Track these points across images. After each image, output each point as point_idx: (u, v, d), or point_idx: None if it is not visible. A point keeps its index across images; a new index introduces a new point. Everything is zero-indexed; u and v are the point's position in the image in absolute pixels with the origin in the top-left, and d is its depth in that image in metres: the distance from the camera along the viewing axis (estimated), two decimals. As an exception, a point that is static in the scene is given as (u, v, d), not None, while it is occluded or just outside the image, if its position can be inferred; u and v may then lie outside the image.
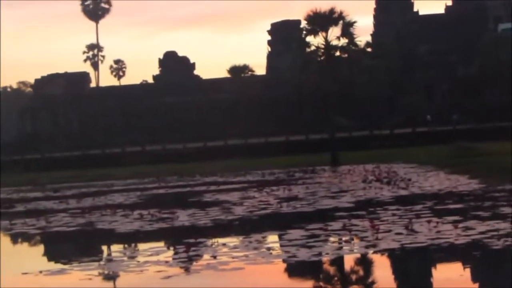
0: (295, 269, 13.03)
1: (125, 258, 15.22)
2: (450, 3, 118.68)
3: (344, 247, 14.91)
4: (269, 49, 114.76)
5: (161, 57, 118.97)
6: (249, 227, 18.97)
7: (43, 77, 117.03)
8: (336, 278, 12.51)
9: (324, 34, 57.51)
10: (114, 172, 53.48)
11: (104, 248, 18.28)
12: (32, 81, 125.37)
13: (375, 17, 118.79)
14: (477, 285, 11.72)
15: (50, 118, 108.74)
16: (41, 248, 19.62)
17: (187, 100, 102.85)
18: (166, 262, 14.15)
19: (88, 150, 77.06)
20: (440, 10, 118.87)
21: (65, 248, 18.97)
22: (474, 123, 72.89)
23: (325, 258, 13.84)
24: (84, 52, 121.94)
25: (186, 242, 16.05)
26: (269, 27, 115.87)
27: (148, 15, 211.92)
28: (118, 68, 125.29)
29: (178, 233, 18.50)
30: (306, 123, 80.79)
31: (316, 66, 63.89)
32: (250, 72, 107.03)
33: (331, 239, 15.87)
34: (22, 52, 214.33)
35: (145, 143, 77.58)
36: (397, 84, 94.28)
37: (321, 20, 57.01)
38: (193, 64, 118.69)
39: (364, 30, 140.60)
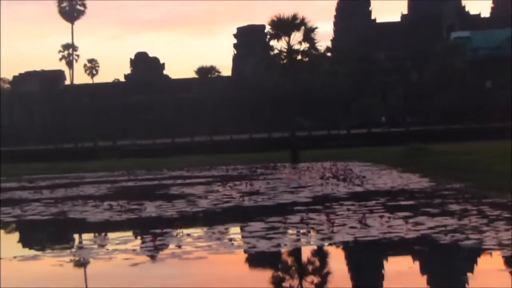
0: (255, 259, 13.05)
1: (95, 246, 15.17)
2: (406, 12, 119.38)
3: (301, 239, 14.94)
4: (235, 52, 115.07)
5: (133, 57, 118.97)
6: (212, 219, 18.98)
7: (20, 74, 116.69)
8: (293, 268, 12.54)
9: (286, 38, 57.75)
10: (85, 165, 53.31)
11: (76, 236, 18.22)
12: (10, 77, 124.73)
13: (335, 23, 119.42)
14: (425, 277, 11.79)
15: (26, 113, 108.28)
16: (15, 235, 19.50)
17: (157, 99, 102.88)
18: (134, 250, 14.12)
19: (62, 144, 76.85)
20: (397, 18, 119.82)
21: (39, 235, 18.88)
22: (427, 125, 73.39)
23: (283, 249, 13.86)
24: (59, 51, 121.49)
25: (153, 232, 16.03)
26: (235, 31, 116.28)
27: (121, 17, 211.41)
28: (92, 67, 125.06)
29: (145, 224, 18.47)
30: (268, 122, 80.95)
31: (279, 69, 64.03)
32: (216, 73, 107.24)
33: (290, 231, 15.88)
34: (1, 49, 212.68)
35: (116, 138, 77.43)
36: (355, 88, 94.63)
37: (284, 26, 57.21)
38: (163, 64, 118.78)
39: (324, 36, 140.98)
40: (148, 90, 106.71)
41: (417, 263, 12.62)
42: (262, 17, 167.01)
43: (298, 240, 14.91)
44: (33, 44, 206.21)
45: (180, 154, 63.02)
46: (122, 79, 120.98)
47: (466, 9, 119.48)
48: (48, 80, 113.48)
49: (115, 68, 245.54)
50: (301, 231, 15.84)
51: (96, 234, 17.75)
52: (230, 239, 15.06)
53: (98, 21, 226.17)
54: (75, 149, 73.21)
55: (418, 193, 23.26)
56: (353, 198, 22.22)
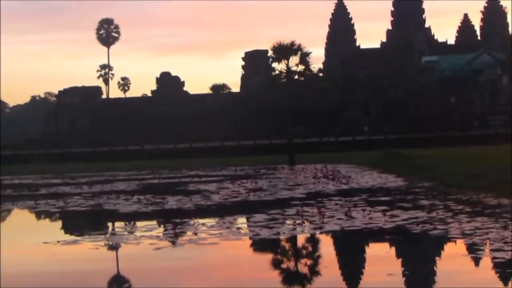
0: (258, 245, 13.01)
1: (126, 233, 15.16)
2: (384, 39, 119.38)
3: (297, 228, 14.90)
4: (243, 72, 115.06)
5: (158, 76, 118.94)
6: (223, 211, 18.91)
7: (65, 89, 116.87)
8: (291, 252, 12.52)
9: (286, 61, 57.64)
10: (118, 165, 53.19)
11: (109, 224, 18.17)
12: (56, 92, 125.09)
13: (326, 49, 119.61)
14: (399, 260, 11.76)
15: (69, 121, 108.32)
16: (59, 223, 19.49)
17: (177, 110, 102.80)
18: (157, 237, 14.09)
19: (98, 148, 76.71)
20: (377, 45, 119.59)
21: (78, 223, 18.86)
22: (401, 134, 73.36)
23: (282, 237, 13.84)
24: (97, 71, 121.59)
25: (174, 221, 15.98)
26: (243, 55, 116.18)
27: (149, 42, 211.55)
28: (124, 83, 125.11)
29: (167, 214, 18.40)
30: (270, 131, 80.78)
31: (279, 86, 64.03)
32: (227, 89, 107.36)
33: (287, 222, 15.84)
34: (49, 68, 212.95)
35: (143, 143, 77.33)
36: (341, 102, 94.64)
37: (284, 51, 57.14)
38: (183, 82, 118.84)
39: (317, 59, 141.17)
40: (170, 103, 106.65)
41: (393, 249, 12.59)
42: (266, 43, 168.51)
43: (295, 229, 14.87)
44: (76, 64, 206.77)
45: (196, 157, 62.88)
46: (149, 94, 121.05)
47: (435, 37, 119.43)
48: (88, 94, 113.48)
49: (143, 85, 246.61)
50: (297, 221, 15.81)
51: (126, 223, 17.73)
52: (238, 228, 15.01)
53: (130, 46, 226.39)
54: (109, 151, 73.01)
55: (394, 191, 23.19)
56: (340, 194, 22.14)
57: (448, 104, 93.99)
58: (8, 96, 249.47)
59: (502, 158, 31.77)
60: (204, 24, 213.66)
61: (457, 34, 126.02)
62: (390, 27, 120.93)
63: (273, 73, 61.20)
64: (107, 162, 59.33)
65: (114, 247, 13.41)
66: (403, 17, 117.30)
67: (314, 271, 10.68)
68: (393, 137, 70.32)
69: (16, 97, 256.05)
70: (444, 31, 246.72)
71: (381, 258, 11.58)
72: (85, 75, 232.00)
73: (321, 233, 14.01)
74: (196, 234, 14.20)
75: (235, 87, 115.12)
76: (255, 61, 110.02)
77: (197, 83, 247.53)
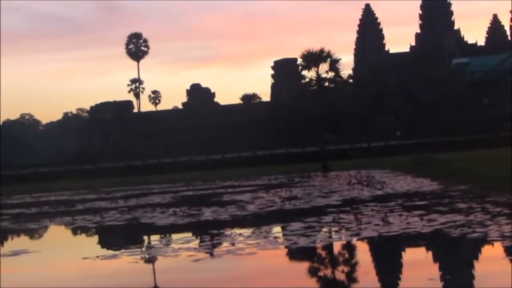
0: (297, 253, 12.99)
1: (163, 246, 15.18)
2: (413, 43, 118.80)
3: (334, 236, 14.86)
4: (273, 81, 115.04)
5: (188, 88, 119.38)
6: (259, 220, 18.93)
7: (96, 105, 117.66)
8: (328, 260, 12.48)
9: (315, 69, 57.51)
10: (152, 179, 53.44)
11: (146, 238, 18.25)
12: (88, 107, 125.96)
13: (355, 55, 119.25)
14: (439, 264, 11.68)
15: (102, 136, 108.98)
16: (97, 238, 19.59)
17: (209, 121, 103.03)
18: (195, 248, 14.12)
19: (131, 162, 77.07)
20: (406, 49, 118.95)
21: (116, 238, 18.95)
22: (433, 137, 72.84)
23: (320, 245, 13.81)
24: (128, 85, 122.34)
25: (210, 232, 16.02)
26: (272, 64, 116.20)
27: (178, 55, 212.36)
28: (155, 97, 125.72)
29: (203, 226, 18.44)
30: (302, 138, 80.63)
31: (309, 94, 63.97)
32: (258, 99, 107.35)
33: (324, 229, 15.81)
34: (80, 85, 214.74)
35: (176, 156, 77.55)
36: (372, 107, 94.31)
37: (313, 58, 56.99)
38: (213, 93, 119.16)
39: (346, 65, 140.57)
40: (201, 114, 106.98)
41: (432, 253, 12.51)
42: (294, 51, 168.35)
43: (332, 236, 14.83)
44: (106, 79, 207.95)
45: (229, 167, 63.01)
46: (180, 106, 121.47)
47: (465, 39, 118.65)
48: (119, 109, 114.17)
49: (174, 97, 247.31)
50: (334, 229, 15.75)
51: (163, 236, 17.77)
52: (275, 237, 15.00)
53: (159, 59, 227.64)
54: (143, 165, 73.37)
55: (429, 195, 23.04)
56: (376, 200, 22.05)
57: (480, 106, 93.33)
58: (41, 113, 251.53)
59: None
60: (233, 35, 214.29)
61: (486, 35, 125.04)
62: (419, 31, 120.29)
63: (303, 81, 61.09)
64: (141, 176, 59.63)
65: (152, 260, 13.45)
66: (432, 20, 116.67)
67: (353, 278, 10.65)
68: (426, 141, 69.86)
69: (49, 114, 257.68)
70: (474, 32, 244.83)
71: (421, 263, 11.51)
72: (116, 90, 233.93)
73: (358, 239, 13.95)
74: (233, 244, 14.20)
75: (266, 96, 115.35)
76: (284, 70, 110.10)
77: (227, 94, 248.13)
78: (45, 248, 17.33)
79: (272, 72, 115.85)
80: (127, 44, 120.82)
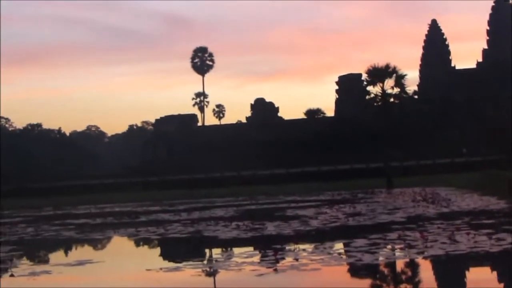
0: (361, 270, 12.78)
1: (226, 259, 15.12)
2: (480, 59, 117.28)
3: (399, 253, 14.61)
4: (337, 96, 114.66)
5: (253, 102, 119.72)
6: (323, 236, 18.76)
7: (161, 118, 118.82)
8: (393, 278, 12.26)
9: (381, 84, 57.30)
10: (215, 192, 53.59)
11: (210, 251, 18.21)
12: (153, 120, 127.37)
13: (420, 71, 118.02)
14: (506, 285, 11.36)
15: (166, 149, 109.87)
16: (160, 250, 19.63)
17: (273, 136, 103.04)
18: (259, 263, 14.01)
19: (195, 175, 77.48)
20: (473, 65, 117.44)
21: (179, 250, 18.96)
22: (501, 154, 71.54)
23: (385, 262, 13.59)
24: (193, 99, 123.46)
25: (274, 247, 15.91)
26: (336, 79, 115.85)
27: (243, 69, 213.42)
28: (219, 111, 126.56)
29: (267, 240, 18.35)
30: (366, 154, 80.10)
31: (374, 109, 63.59)
32: (322, 114, 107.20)
33: (389, 246, 15.57)
34: (145, 97, 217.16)
35: (240, 169, 77.72)
36: (438, 124, 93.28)
37: (379, 73, 56.88)
38: (277, 107, 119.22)
39: (411, 81, 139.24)
40: (265, 129, 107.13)
41: (501, 273, 12.19)
42: (359, 67, 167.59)
43: (397, 254, 14.58)
44: (172, 93, 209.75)
45: (292, 182, 62.91)
46: (244, 120, 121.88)
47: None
48: (184, 122, 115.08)
49: (238, 112, 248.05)
50: (399, 246, 15.48)
51: (227, 249, 17.72)
52: (339, 253, 14.81)
53: (224, 73, 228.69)
54: (206, 178, 73.73)
55: (497, 213, 22.60)
56: (442, 217, 21.71)
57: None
58: (107, 126, 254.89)
59: None
60: (297, 50, 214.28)
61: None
62: (486, 47, 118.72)
63: (368, 96, 60.88)
64: (204, 189, 59.84)
65: (216, 274, 13.39)
66: (499, 36, 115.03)
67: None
68: (493, 158, 68.75)
69: (114, 126, 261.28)
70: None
71: (490, 283, 11.22)
72: (180, 103, 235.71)
73: (425, 258, 13.68)
74: (297, 260, 14.05)
75: (330, 112, 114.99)
76: (349, 85, 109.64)
77: (291, 109, 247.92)
78: (109, 259, 17.41)
79: (337, 87, 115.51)
80: (193, 58, 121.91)
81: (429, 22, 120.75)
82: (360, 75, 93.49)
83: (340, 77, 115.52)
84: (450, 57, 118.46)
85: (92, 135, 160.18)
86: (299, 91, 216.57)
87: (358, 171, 67.88)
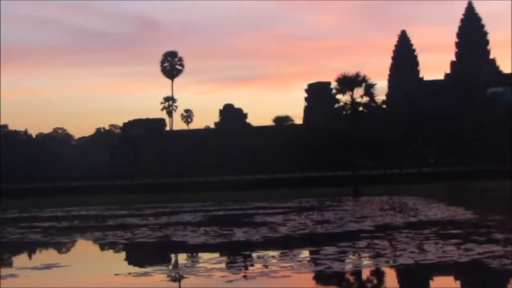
0: (331, 278, 12.78)
1: (195, 265, 15.05)
2: (448, 71, 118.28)
3: (368, 262, 14.63)
4: (306, 104, 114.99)
5: (221, 108, 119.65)
6: (292, 243, 18.74)
7: (129, 121, 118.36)
8: (363, 286, 12.27)
9: (350, 93, 57.46)
10: (183, 197, 53.36)
11: (178, 256, 18.12)
12: (121, 124, 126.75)
13: (389, 81, 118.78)
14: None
15: (134, 153, 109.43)
16: (128, 254, 19.49)
17: (240, 142, 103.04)
18: (228, 269, 13.98)
19: (163, 179, 77.17)
20: (441, 76, 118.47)
21: (148, 255, 18.85)
22: (468, 166, 72.11)
23: (355, 270, 13.60)
24: (161, 103, 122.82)
25: (243, 253, 15.87)
26: (306, 87, 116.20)
27: (212, 74, 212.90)
28: (188, 115, 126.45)
29: (235, 246, 18.31)
30: (334, 162, 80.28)
31: (343, 118, 63.77)
32: (290, 121, 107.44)
33: (358, 254, 15.60)
34: (113, 101, 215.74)
35: (207, 175, 77.57)
36: (406, 134, 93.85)
37: (349, 82, 57.01)
38: (246, 114, 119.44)
39: (380, 91, 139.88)
40: (233, 135, 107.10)
41: (474, 284, 12.24)
42: (329, 75, 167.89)
43: (366, 262, 14.60)
44: (140, 97, 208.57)
45: (260, 188, 62.81)
46: (212, 126, 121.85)
47: (500, 69, 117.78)
48: (152, 126, 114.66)
49: (206, 117, 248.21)
50: (369, 254, 15.51)
51: (195, 255, 17.64)
52: (309, 261, 14.80)
53: (194, 78, 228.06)
54: (174, 183, 73.35)
55: (465, 224, 22.73)
56: (410, 227, 21.79)
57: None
58: (74, 128, 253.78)
59: None
60: (267, 56, 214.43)
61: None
62: (454, 59, 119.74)
63: (337, 105, 61.03)
64: (171, 194, 59.59)
65: (185, 279, 13.31)
66: (468, 49, 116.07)
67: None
68: (460, 169, 69.22)
69: (82, 129, 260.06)
70: (509, 62, 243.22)
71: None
72: (149, 107, 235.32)
73: (394, 266, 13.71)
74: (266, 266, 14.03)
75: (298, 119, 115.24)
76: (318, 93, 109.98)
77: (260, 115, 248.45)
78: (76, 263, 17.23)
79: (306, 95, 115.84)
80: (162, 62, 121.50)
81: (399, 33, 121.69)
82: (329, 83, 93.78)
83: (309, 85, 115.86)
84: (419, 68, 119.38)
85: (59, 137, 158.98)
86: (268, 98, 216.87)
87: (326, 179, 67.93)
